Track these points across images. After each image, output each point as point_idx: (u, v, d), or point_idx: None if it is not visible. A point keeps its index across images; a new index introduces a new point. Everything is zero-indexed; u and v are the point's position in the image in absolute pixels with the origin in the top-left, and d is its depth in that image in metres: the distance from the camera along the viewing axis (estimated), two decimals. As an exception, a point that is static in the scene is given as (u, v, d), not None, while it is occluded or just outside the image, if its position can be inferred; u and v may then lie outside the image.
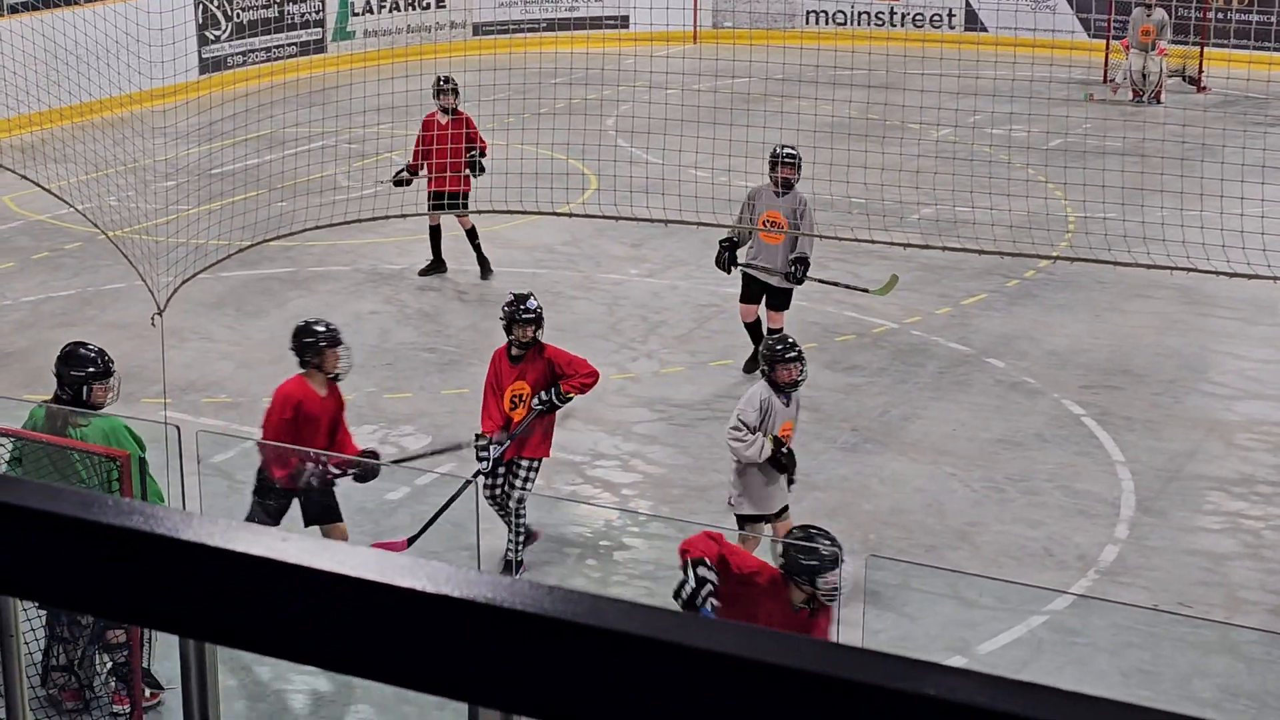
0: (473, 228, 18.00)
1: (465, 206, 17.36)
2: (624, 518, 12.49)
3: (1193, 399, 14.68)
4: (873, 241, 14.72)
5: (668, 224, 15.56)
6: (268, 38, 28.03)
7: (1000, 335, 16.21)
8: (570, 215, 16.48)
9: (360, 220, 15.69)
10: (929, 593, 11.14)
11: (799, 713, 1.19)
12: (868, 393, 14.70)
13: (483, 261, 18.07)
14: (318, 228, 14.87)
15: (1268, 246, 15.04)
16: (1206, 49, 28.80)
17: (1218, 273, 13.90)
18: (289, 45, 28.53)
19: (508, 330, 11.77)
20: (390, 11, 30.07)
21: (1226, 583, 11.45)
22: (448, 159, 17.62)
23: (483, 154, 17.91)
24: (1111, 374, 15.22)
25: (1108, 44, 28.85)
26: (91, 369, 9.98)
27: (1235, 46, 29.13)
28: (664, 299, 17.38)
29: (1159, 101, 27.07)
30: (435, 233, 18.07)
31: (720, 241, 15.07)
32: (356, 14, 29.78)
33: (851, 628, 9.55)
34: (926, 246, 14.48)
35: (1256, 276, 14.40)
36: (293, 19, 28.69)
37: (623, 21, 31.37)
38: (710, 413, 14.25)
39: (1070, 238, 18.84)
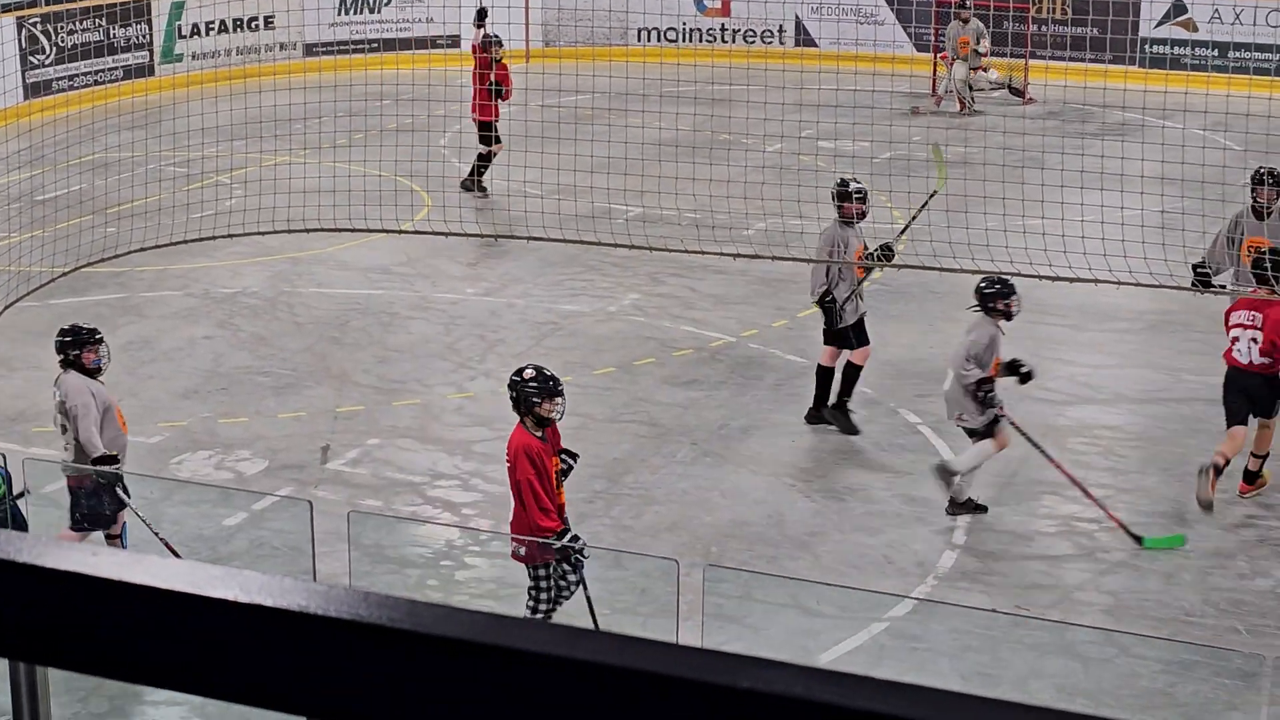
0: (489, 154, 20.57)
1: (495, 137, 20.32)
2: (465, 537, 12.42)
3: (1025, 405, 14.86)
4: (713, 253, 14.78)
5: (497, 239, 15.53)
6: (93, 61, 27.60)
7: (836, 346, 16.32)
8: (402, 233, 16.39)
9: (187, 241, 15.49)
10: (770, 603, 11.19)
11: (620, 709, 1.17)
12: (706, 406, 14.76)
13: (476, 182, 20.36)
14: (143, 249, 14.66)
15: (1092, 251, 15.30)
16: (1031, 61, 29.30)
17: (1046, 278, 14.15)
18: (115, 69, 28.11)
19: (534, 407, 10.14)
20: (218, 33, 29.74)
21: (1062, 584, 11.62)
22: (475, 85, 19.01)
23: (504, 95, 20.91)
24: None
25: (935, 57, 29.24)
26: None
27: (1055, 58, 29.67)
28: (501, 317, 17.33)
29: (975, 111, 27.56)
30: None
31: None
32: (184, 36, 29.42)
33: (691, 640, 9.56)
34: (773, 258, 14.57)
35: (1085, 280, 14.65)
36: (119, 43, 28.27)
37: (454, 41, 31.27)
38: (550, 430, 14.21)
39: (902, 248, 19.03)
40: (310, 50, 30.31)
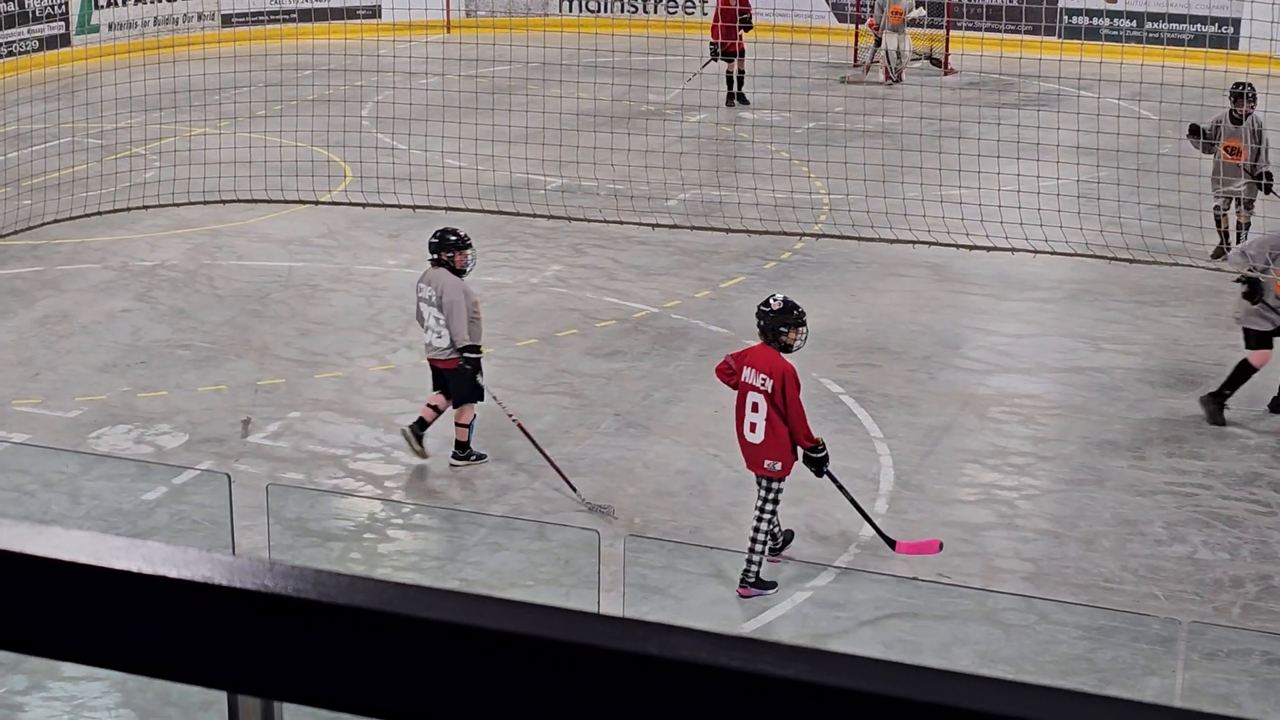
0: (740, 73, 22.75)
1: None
2: (388, 509, 12.38)
3: (947, 374, 14.96)
4: (635, 224, 14.77)
5: (415, 209, 15.46)
6: (8, 32, 27.28)
7: (759, 317, 16.36)
8: (321, 204, 16.31)
9: (105, 212, 15.35)
10: (694, 573, 11.21)
11: (538, 680, 1.17)
12: (629, 377, 14.76)
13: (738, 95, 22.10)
14: (60, 221, 14.51)
15: (1011, 220, 15.40)
16: (951, 32, 29.41)
17: (965, 247, 14.22)
18: (31, 39, 27.80)
19: (780, 336, 10.89)
20: (136, 4, 29.45)
21: (983, 552, 11.69)
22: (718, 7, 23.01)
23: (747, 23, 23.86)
24: (868, 352, 15.46)
25: (856, 28, 29.28)
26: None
27: (975, 29, 29.77)
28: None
29: (900, 80, 27.74)
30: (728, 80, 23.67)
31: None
32: (100, 6, 29.12)
33: (612, 611, 9.57)
34: (693, 228, 14.57)
35: (1003, 250, 14.74)
36: (34, 12, 27.96)
37: (375, 11, 31.11)
38: (472, 402, 14.18)
39: (825, 219, 19.10)
40: (228, 21, 30.07)
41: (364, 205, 15.17)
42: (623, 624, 1.13)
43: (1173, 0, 28.46)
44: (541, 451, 12.64)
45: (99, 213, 15.21)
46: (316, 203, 16.22)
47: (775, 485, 10.88)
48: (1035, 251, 15.18)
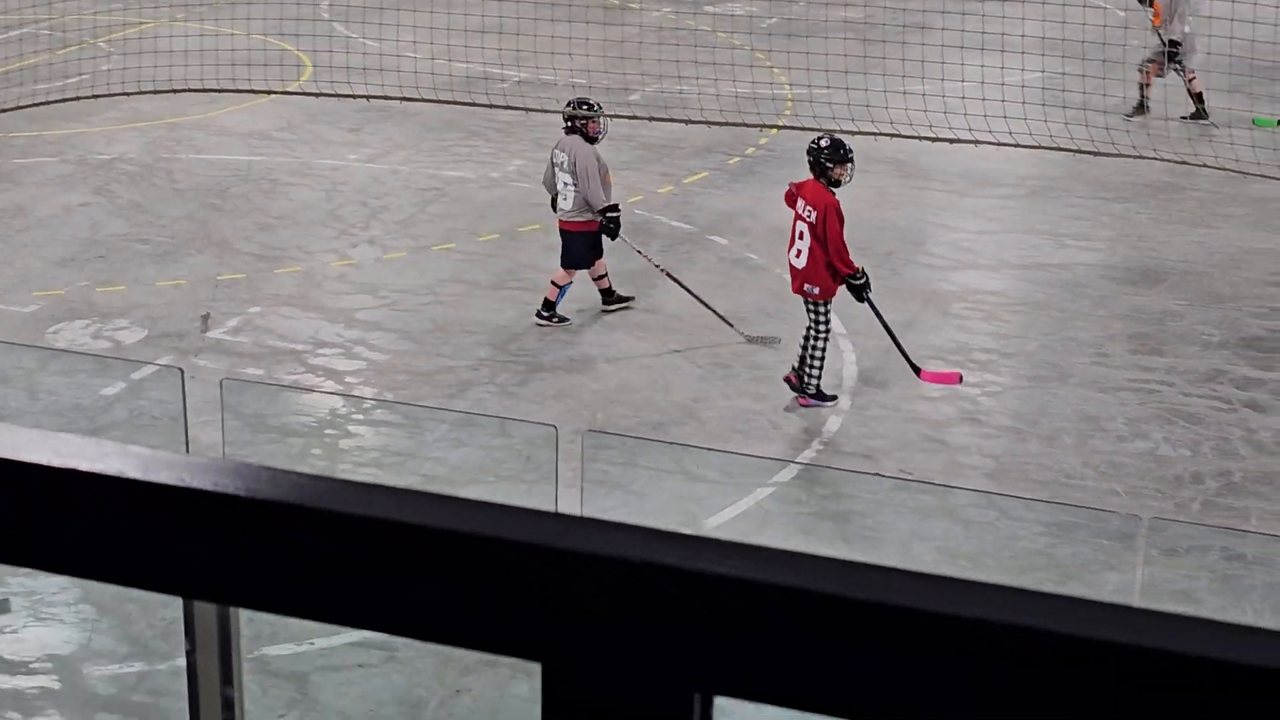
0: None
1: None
2: (349, 405, 12.32)
3: (910, 270, 14.93)
4: (599, 116, 14.63)
5: (369, 99, 15.30)
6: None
7: (722, 212, 16.29)
8: (275, 94, 16.13)
9: (58, 101, 15.14)
10: (655, 469, 11.19)
11: (495, 581, 1.12)
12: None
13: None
14: (14, 109, 14.31)
15: (973, 113, 15.31)
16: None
17: (928, 139, 14.16)
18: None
19: (827, 170, 12.19)
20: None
21: (945, 448, 11.70)
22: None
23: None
24: (831, 248, 15.39)
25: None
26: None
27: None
28: (384, 184, 17.12)
29: None
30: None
31: None
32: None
33: (570, 507, 9.55)
34: (651, 119, 14.46)
35: (965, 141, 14.67)
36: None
37: (334, -99, 30.69)
38: (434, 297, 14.10)
39: (789, 113, 18.99)
40: (186, -90, 29.61)
41: (316, 95, 15.00)
42: (565, 521, 1.09)
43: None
44: (697, 297, 13.47)
45: (52, 102, 15.01)
46: (273, 93, 16.04)
47: (821, 307, 12.15)
48: (999, 144, 15.12)
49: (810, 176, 12.24)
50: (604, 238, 13.68)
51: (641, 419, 12.00)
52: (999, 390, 12.63)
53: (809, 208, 12.06)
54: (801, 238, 12.12)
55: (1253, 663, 1.00)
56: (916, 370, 12.29)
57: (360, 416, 12.33)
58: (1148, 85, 19.44)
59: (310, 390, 12.53)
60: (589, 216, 13.56)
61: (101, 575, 1.28)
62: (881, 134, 13.80)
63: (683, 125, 16.77)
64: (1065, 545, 10.32)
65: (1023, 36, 18.26)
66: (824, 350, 12.17)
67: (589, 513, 9.91)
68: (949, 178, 17.24)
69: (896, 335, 12.37)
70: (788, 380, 12.28)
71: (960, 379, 12.43)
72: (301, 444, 11.79)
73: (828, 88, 17.52)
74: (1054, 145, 14.77)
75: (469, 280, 14.46)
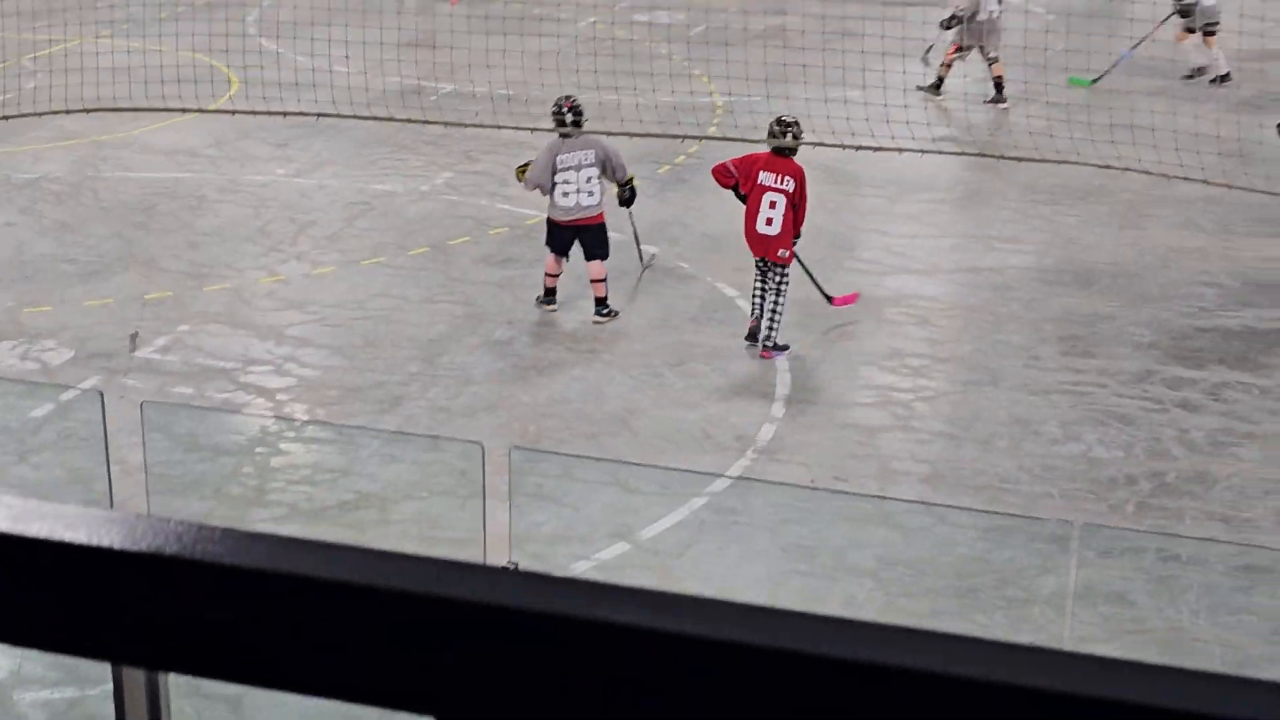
0: None
1: None
2: (280, 423, 12.22)
3: (842, 277, 14.92)
4: (527, 129, 14.58)
5: (286, 115, 15.22)
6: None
7: (653, 221, 16.25)
8: (203, 112, 16.00)
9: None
10: (590, 481, 11.13)
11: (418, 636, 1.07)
12: (523, 285, 14.61)
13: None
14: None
15: (898, 120, 15.31)
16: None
17: (858, 147, 14.17)
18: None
19: (798, 139, 13.43)
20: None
21: (880, 455, 11.69)
22: None
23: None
24: (763, 255, 15.37)
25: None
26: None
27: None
28: (312, 199, 17.01)
29: None
30: None
31: None
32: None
33: (499, 523, 9.48)
34: (584, 132, 14.40)
35: (889, 149, 14.69)
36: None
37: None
38: (363, 312, 14.01)
39: (719, 121, 18.98)
40: (109, -74, 29.41)
41: (233, 113, 14.89)
42: (461, 570, 1.04)
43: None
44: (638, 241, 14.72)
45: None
46: (201, 110, 15.91)
47: (787, 268, 13.30)
48: (923, 152, 15.16)
49: (766, 152, 13.35)
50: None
51: (574, 430, 11.95)
52: (932, 395, 12.64)
53: (785, 178, 13.14)
54: (773, 207, 13.13)
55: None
56: (829, 299, 13.82)
57: (292, 434, 12.23)
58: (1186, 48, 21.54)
59: (229, 412, 12.40)
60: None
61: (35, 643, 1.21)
62: (811, 144, 13.85)
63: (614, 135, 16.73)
64: (1002, 550, 10.32)
65: (961, 48, 18.31)
66: (785, 306, 13.33)
67: (521, 528, 9.85)
68: (880, 183, 17.26)
69: (810, 270, 13.80)
70: (759, 348, 13.30)
71: (858, 296, 14.10)
72: (233, 463, 11.68)
73: (766, 97, 17.51)
74: (978, 152, 14.81)
75: (398, 294, 14.38)
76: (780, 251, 13.23)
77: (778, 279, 13.29)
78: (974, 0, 20.03)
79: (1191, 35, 21.23)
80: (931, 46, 19.56)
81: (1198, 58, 21.21)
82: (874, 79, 17.04)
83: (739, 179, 13.35)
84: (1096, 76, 19.57)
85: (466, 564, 1.08)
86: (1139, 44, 20.36)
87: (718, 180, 13.63)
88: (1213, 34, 20.97)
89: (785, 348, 13.27)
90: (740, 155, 13.55)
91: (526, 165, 14.10)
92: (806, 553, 10.26)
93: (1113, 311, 14.18)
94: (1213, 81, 21.01)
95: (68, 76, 18.24)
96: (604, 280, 14.00)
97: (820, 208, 16.14)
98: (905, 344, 13.57)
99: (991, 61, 20.05)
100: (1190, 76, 21.03)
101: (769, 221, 13.19)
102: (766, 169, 13.23)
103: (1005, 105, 20.00)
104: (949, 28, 20.15)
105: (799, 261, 13.55)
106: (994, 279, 14.94)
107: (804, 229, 13.46)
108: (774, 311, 13.28)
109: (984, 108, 19.99)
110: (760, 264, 13.38)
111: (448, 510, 10.65)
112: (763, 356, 13.18)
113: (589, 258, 13.98)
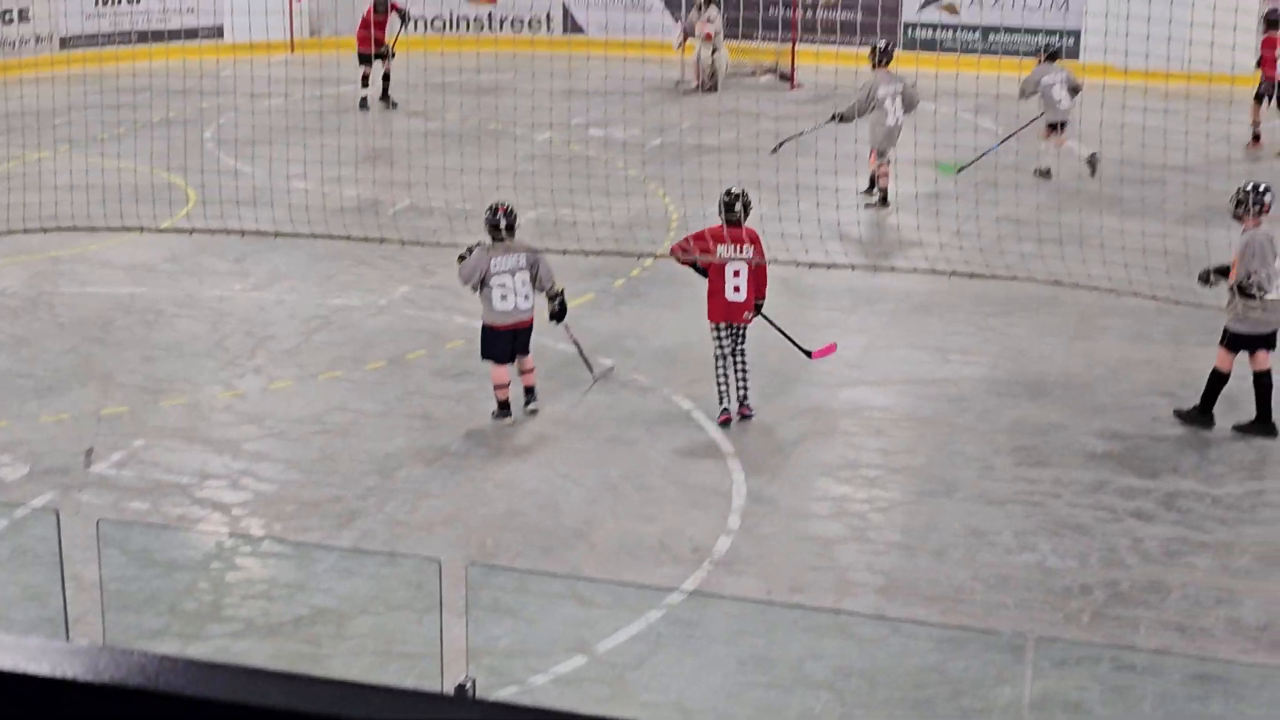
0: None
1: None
2: (235, 539, 12.20)
3: (797, 388, 15.02)
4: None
5: (243, 233, 15.30)
6: None
7: (609, 334, 16.35)
8: (161, 231, 16.06)
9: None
10: (547, 594, 11.13)
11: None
12: (478, 398, 14.65)
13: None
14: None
15: (853, 237, 15.46)
16: (797, 46, 29.63)
17: (810, 264, 14.30)
18: None
19: (749, 208, 14.28)
20: (-29, 26, 28.92)
21: (836, 566, 11.73)
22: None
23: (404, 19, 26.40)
24: (718, 367, 15.46)
25: (683, 42, 29.37)
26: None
27: (824, 43, 30.02)
28: (270, 313, 17.06)
29: (716, 89, 28.62)
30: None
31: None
32: (-66, 30, 28.56)
33: (456, 638, 9.47)
34: (541, 250, 14.52)
35: (842, 266, 14.82)
36: None
37: (218, 32, 30.77)
38: (320, 426, 14.03)
39: (673, 236, 19.12)
40: (66, 43, 29.62)
41: (189, 232, 14.95)
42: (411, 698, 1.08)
43: (1014, 13, 28.90)
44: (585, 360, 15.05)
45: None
46: (158, 230, 15.97)
47: (745, 328, 14.25)
48: (876, 269, 15.33)
49: (720, 224, 14.13)
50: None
51: (531, 543, 11.96)
52: (887, 506, 12.69)
53: (747, 247, 14.05)
54: (737, 275, 14.00)
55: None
56: (808, 354, 14.85)
57: (248, 549, 12.21)
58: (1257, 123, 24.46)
59: (190, 528, 12.37)
60: None
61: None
62: (763, 262, 14.07)
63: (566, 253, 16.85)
64: (958, 660, 10.35)
65: (899, 161, 18.51)
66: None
67: (478, 642, 9.84)
68: (834, 295, 17.40)
69: (783, 329, 14.74)
70: (737, 416, 14.18)
71: (836, 347, 15.15)
72: (188, 578, 11.64)
73: (704, 212, 17.66)
74: (930, 269, 14.96)
75: (355, 408, 14.40)
76: (747, 315, 14.16)
77: (742, 338, 14.23)
78: (864, 101, 20.46)
79: (1055, 133, 21.88)
80: (784, 141, 19.76)
81: (1048, 160, 22.04)
82: (826, 196, 17.22)
83: (698, 252, 14.11)
84: (962, 166, 20.11)
85: (423, 693, 1.12)
86: (1005, 140, 21.00)
87: (676, 258, 14.38)
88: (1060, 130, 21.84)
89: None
90: (695, 232, 14.42)
91: (465, 254, 14.31)
92: (764, 664, 10.27)
93: (1065, 421, 14.29)
94: (1038, 172, 21.96)
95: (25, 195, 18.30)
96: (533, 370, 14.47)
97: (777, 319, 16.28)
98: (860, 455, 13.64)
99: (884, 162, 20.61)
100: (1044, 173, 22.04)
101: (736, 289, 14.03)
102: (734, 238, 14.01)
103: (873, 203, 20.67)
104: (839, 120, 20.69)
105: (771, 323, 14.54)
106: (948, 390, 15.05)
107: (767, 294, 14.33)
108: (746, 370, 14.21)
109: (934, 219, 20.21)
110: (729, 329, 14.19)
111: (404, 625, 10.63)
112: (742, 414, 14.18)
113: (522, 353, 14.38)
